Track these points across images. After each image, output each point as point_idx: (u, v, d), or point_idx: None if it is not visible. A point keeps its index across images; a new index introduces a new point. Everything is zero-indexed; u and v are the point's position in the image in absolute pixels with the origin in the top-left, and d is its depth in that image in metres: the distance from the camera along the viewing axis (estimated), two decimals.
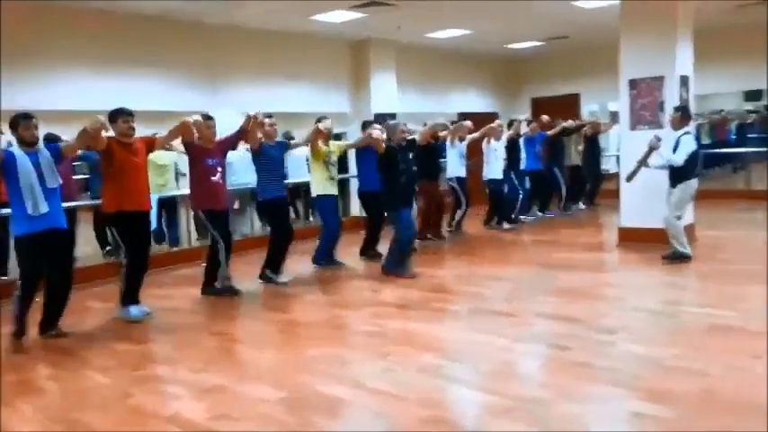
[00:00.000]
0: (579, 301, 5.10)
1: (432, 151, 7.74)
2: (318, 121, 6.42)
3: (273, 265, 6.20)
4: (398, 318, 4.94)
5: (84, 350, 4.54)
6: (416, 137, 6.73)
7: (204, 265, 5.98)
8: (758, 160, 11.30)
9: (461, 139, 8.37)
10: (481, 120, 9.34)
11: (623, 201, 7.45)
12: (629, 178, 6.39)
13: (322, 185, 6.66)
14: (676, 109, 6.35)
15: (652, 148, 6.11)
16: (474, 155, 8.92)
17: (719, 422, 2.92)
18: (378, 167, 6.25)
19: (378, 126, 6.43)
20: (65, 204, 5.02)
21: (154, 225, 6.65)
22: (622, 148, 7.53)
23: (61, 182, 4.68)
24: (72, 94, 7.13)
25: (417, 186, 6.75)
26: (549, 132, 9.56)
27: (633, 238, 7.16)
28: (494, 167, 8.70)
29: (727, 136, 14.65)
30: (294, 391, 3.54)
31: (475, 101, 12.99)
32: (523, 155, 9.32)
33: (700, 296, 5.09)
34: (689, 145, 5.99)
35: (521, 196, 9.20)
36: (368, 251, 7.22)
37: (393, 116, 10.17)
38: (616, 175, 8.35)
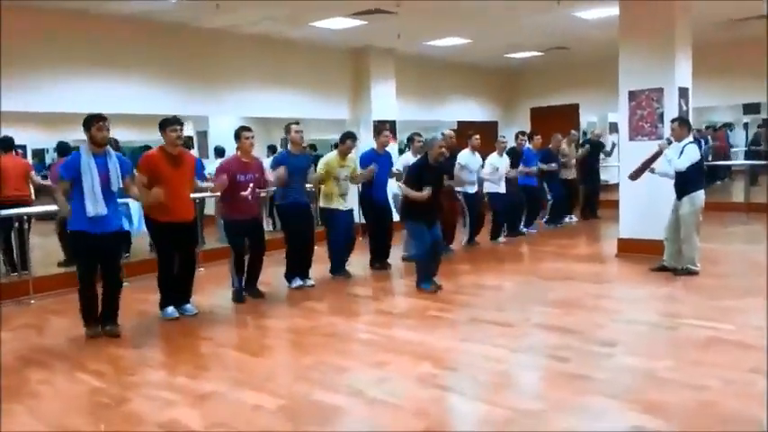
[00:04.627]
0: (577, 313, 5.09)
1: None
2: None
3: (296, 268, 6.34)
4: (395, 327, 4.92)
5: (78, 354, 4.52)
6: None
7: None
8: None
9: None
10: (481, 129, 9.28)
11: (623, 212, 7.45)
12: (634, 177, 6.34)
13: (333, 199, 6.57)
14: (673, 120, 6.35)
15: (661, 151, 6.11)
16: None
17: None
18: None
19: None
20: None
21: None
22: (621, 158, 7.55)
23: (122, 185, 4.89)
24: (68, 98, 7.10)
25: None
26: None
27: (632, 250, 7.17)
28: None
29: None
30: (290, 399, 3.52)
31: (474, 110, 13.02)
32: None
33: (697, 309, 5.08)
34: (693, 154, 5.98)
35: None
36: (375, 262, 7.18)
37: (393, 123, 10.23)
38: (617, 186, 8.32)
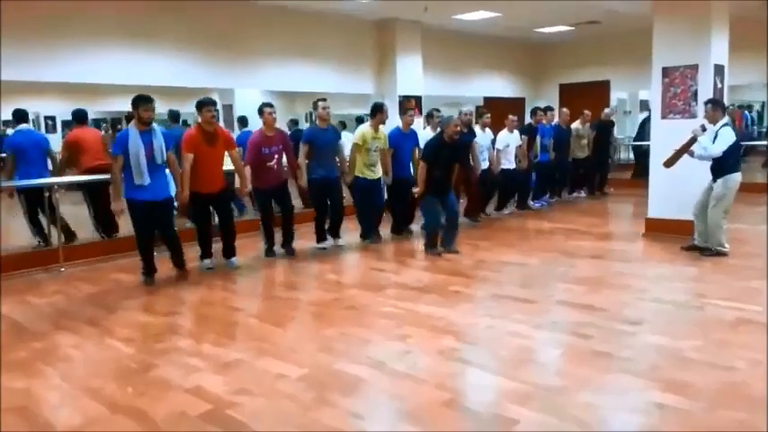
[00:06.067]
0: (601, 291, 5.05)
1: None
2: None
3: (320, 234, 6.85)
4: (417, 301, 4.94)
5: (108, 320, 4.63)
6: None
7: None
8: None
9: None
10: (507, 105, 9.21)
11: (652, 191, 7.33)
12: (668, 164, 6.23)
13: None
14: (706, 102, 6.19)
15: (695, 137, 5.99)
16: None
17: (740, 416, 2.88)
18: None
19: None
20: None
21: None
22: (653, 136, 7.40)
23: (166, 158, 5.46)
24: (95, 69, 7.13)
25: None
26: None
27: (660, 229, 7.07)
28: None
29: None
30: (313, 369, 3.56)
31: (501, 86, 12.84)
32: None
33: (724, 289, 5.00)
34: (728, 137, 5.84)
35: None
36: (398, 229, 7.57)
37: (419, 99, 10.14)
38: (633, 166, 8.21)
